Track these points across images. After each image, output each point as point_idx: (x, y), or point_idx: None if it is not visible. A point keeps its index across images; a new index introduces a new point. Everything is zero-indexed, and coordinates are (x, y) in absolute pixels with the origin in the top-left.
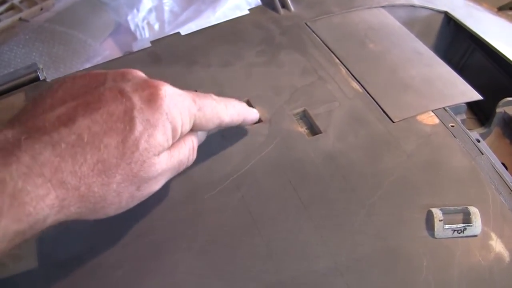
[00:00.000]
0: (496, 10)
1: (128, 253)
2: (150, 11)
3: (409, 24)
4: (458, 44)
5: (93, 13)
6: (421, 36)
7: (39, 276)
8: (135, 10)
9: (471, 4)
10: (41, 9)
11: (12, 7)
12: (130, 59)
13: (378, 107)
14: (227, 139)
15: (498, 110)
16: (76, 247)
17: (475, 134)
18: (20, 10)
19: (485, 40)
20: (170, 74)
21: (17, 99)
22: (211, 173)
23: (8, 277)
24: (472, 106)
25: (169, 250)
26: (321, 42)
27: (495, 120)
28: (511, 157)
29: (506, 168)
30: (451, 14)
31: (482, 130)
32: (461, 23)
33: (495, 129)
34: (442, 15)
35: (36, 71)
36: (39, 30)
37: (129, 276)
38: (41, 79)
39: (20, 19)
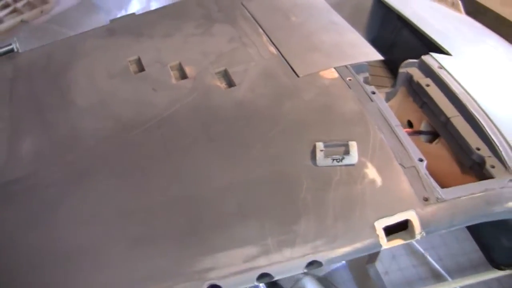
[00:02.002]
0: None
1: (59, 177)
2: (138, 11)
3: (338, 5)
4: (387, 24)
5: (87, 14)
6: (353, 17)
7: None
8: (123, 11)
9: None
10: (41, 12)
11: (14, 10)
12: (89, 33)
13: (288, 65)
14: (157, 91)
15: (401, 70)
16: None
17: (372, 88)
18: (22, 13)
19: (408, 19)
20: (120, 43)
21: None
22: (139, 115)
23: None
24: None
25: (94, 173)
26: (251, 16)
27: (399, 80)
28: (416, 113)
29: (411, 125)
30: None
31: (389, 89)
32: (389, 4)
33: (401, 89)
34: None
35: (11, 44)
36: (38, 30)
37: (59, 193)
38: (14, 51)
39: (22, 21)
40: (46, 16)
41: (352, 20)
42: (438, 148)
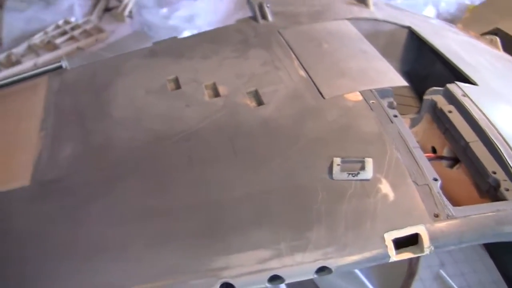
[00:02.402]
0: (479, 35)
1: (92, 179)
2: None
3: (373, 36)
4: (422, 57)
5: (140, 44)
6: (388, 48)
7: (29, 191)
8: None
9: (450, 27)
10: (96, 40)
11: (71, 38)
12: (133, 53)
13: (316, 88)
14: (189, 107)
15: (426, 97)
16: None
17: (394, 111)
18: (78, 41)
19: (440, 51)
20: (160, 63)
21: (41, 81)
22: (170, 129)
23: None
24: None
25: (124, 178)
26: (285, 43)
27: (424, 106)
28: (440, 140)
29: (435, 151)
30: (414, 29)
31: (414, 115)
32: (423, 37)
33: (426, 116)
34: (406, 30)
35: (60, 61)
36: (92, 56)
37: (91, 193)
38: (63, 67)
39: (78, 48)
40: (101, 45)
41: (386, 51)
42: (459, 173)
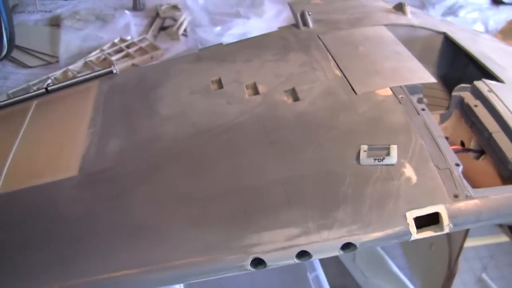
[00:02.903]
0: None
1: (136, 169)
2: None
3: (409, 42)
4: (456, 61)
5: None
6: (424, 54)
7: (77, 180)
8: None
9: (486, 35)
10: (152, 57)
11: (127, 55)
12: (180, 59)
13: (349, 85)
14: (230, 104)
15: (454, 93)
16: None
17: (422, 105)
18: (134, 58)
19: (472, 54)
20: (205, 67)
21: (93, 84)
22: (211, 123)
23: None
24: None
25: (165, 167)
26: (324, 46)
27: (452, 102)
28: (467, 134)
29: (463, 145)
30: (449, 35)
31: (443, 111)
32: (457, 42)
33: (455, 112)
34: (441, 36)
35: (111, 67)
36: None
37: (134, 181)
38: (113, 72)
39: (133, 64)
40: (156, 62)
41: (422, 57)
42: (484, 164)
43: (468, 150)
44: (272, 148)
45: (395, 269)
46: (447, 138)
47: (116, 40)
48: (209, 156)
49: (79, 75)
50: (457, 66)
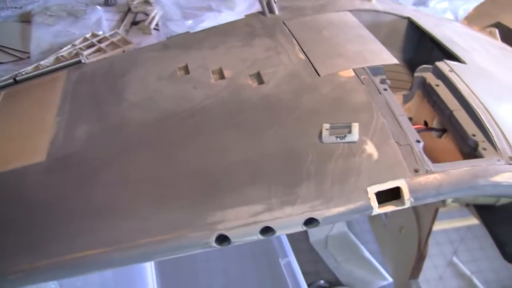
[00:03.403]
0: (479, 28)
1: (103, 153)
2: None
3: (374, 27)
4: (422, 46)
5: None
6: (389, 38)
7: (45, 165)
8: None
9: (451, 21)
10: (123, 52)
11: (99, 50)
12: (148, 47)
13: (313, 68)
14: (196, 89)
15: (416, 74)
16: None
17: (385, 86)
18: (105, 52)
19: (436, 38)
20: (172, 55)
21: (61, 74)
22: (178, 108)
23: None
24: None
25: (132, 150)
26: (289, 31)
27: (414, 83)
28: (430, 114)
29: (426, 124)
30: (413, 20)
31: (406, 92)
32: (421, 26)
33: (417, 92)
34: (405, 21)
35: (79, 56)
36: None
37: (102, 164)
38: (82, 62)
39: (105, 58)
40: None
41: (387, 42)
42: (446, 142)
43: (431, 129)
44: (236, 130)
45: (367, 254)
46: (410, 118)
47: (87, 35)
48: (175, 139)
49: (47, 65)
50: (422, 50)
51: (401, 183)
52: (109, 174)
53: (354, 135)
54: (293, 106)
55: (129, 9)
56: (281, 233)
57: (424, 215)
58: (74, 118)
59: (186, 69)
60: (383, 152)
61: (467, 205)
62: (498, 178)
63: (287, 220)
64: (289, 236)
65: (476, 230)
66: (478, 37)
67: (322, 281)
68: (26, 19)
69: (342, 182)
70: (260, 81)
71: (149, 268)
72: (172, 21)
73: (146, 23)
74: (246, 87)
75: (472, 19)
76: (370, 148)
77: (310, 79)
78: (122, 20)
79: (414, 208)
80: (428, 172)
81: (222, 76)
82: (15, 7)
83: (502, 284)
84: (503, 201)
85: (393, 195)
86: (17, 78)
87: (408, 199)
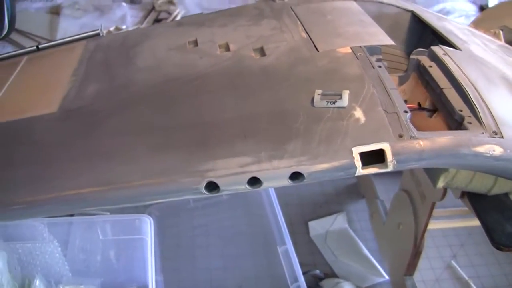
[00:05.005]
0: (485, 30)
1: (109, 106)
2: None
3: (378, 18)
4: (424, 38)
5: None
6: (392, 30)
7: (56, 115)
8: None
9: (455, 21)
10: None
11: None
12: (163, 24)
13: (313, 44)
14: (202, 58)
15: (412, 57)
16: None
17: (379, 63)
18: None
19: (437, 29)
20: (184, 30)
21: (80, 44)
22: (182, 73)
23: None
24: None
25: (135, 105)
26: (295, 15)
27: (410, 65)
28: (424, 95)
29: (420, 105)
30: (416, 13)
31: (402, 73)
32: (424, 19)
33: (412, 75)
34: (409, 14)
35: (97, 30)
36: None
37: (106, 115)
38: (100, 35)
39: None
40: None
41: (391, 33)
42: (436, 121)
43: (423, 109)
44: (234, 91)
45: (365, 251)
46: (405, 101)
47: (111, 29)
48: (176, 97)
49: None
50: (424, 43)
51: (385, 145)
52: (112, 123)
53: (344, 101)
54: (289, 74)
55: (153, 7)
56: (268, 186)
57: (421, 210)
58: (86, 78)
59: (195, 43)
60: (370, 117)
61: (462, 196)
62: (480, 149)
63: (274, 172)
64: (290, 228)
65: (476, 236)
66: (480, 35)
67: (317, 271)
68: (55, 11)
69: (328, 142)
70: (263, 54)
71: (149, 249)
72: None
73: (169, 20)
74: (248, 58)
75: (479, 23)
76: (358, 113)
77: (308, 53)
78: (146, 17)
79: (411, 203)
80: (412, 137)
81: (227, 49)
82: (47, 0)
83: None
84: (496, 190)
85: (378, 160)
86: (39, 46)
87: (391, 161)
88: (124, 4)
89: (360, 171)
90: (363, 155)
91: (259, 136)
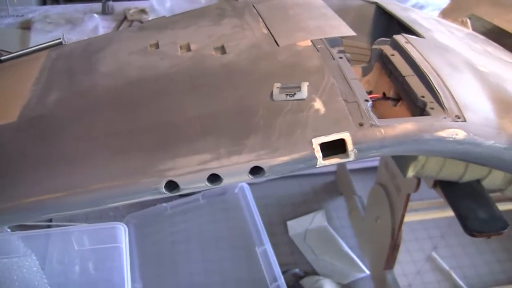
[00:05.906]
0: (453, 20)
1: (69, 113)
2: None
3: (342, 11)
4: (390, 30)
5: None
6: (356, 23)
7: (15, 124)
8: None
9: (422, 12)
10: None
11: None
12: (125, 29)
13: (273, 39)
14: (163, 60)
15: (374, 47)
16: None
17: (341, 54)
18: None
19: (401, 20)
20: (146, 34)
21: (42, 53)
22: (143, 75)
23: None
24: None
25: (96, 110)
26: (256, 12)
27: (372, 55)
28: (388, 84)
29: (384, 95)
30: (381, 5)
31: (365, 64)
32: (389, 10)
33: (376, 65)
34: (373, 6)
35: (60, 38)
36: None
37: (67, 121)
38: (63, 43)
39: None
40: None
41: (356, 26)
42: (400, 110)
43: (387, 98)
44: (194, 90)
45: (346, 248)
46: (370, 92)
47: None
48: (137, 100)
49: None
50: (390, 35)
51: (345, 135)
52: (73, 129)
53: (303, 93)
54: (249, 71)
55: (125, 17)
56: (229, 182)
57: (397, 202)
58: (47, 86)
59: (156, 45)
60: (330, 108)
61: (434, 186)
62: (443, 133)
63: (233, 168)
64: (269, 229)
65: (456, 227)
66: (447, 23)
67: (297, 270)
68: (26, 26)
69: (288, 134)
70: (223, 52)
71: (125, 257)
72: None
73: None
74: (209, 57)
75: (447, 13)
76: (318, 104)
77: (269, 48)
78: (118, 27)
79: (387, 196)
80: (373, 126)
81: (188, 50)
82: (17, 15)
83: (481, 279)
84: (467, 177)
85: (340, 150)
86: (1, 58)
87: (352, 151)
88: (95, 15)
89: (321, 162)
90: (323, 146)
91: (218, 133)
